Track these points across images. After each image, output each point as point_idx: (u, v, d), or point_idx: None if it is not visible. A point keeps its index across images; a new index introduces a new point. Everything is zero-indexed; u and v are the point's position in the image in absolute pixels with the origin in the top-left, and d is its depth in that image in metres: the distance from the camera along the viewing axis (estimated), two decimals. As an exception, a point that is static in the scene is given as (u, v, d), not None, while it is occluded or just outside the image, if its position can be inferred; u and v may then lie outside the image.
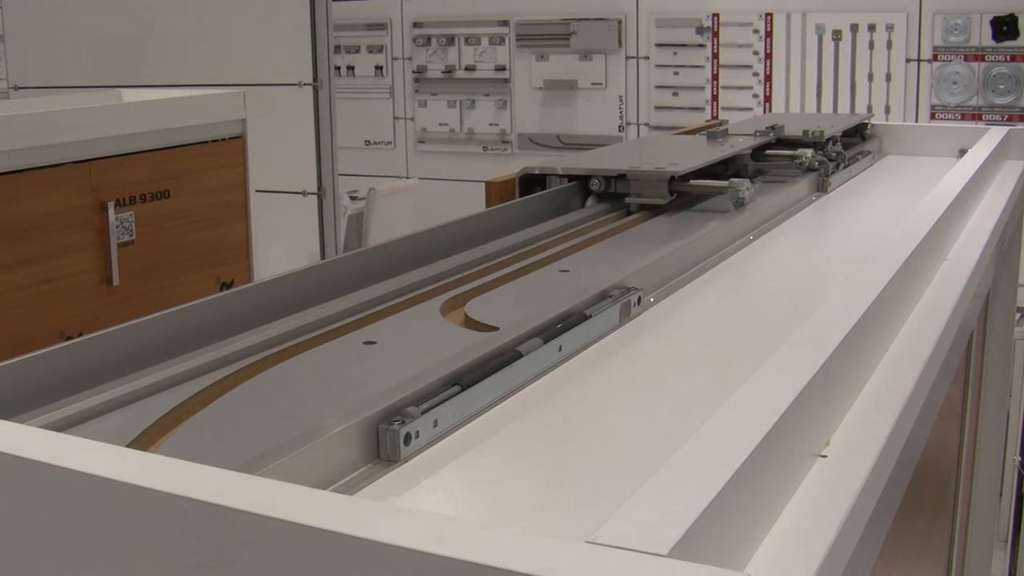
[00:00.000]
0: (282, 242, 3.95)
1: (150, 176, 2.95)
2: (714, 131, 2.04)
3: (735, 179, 1.58)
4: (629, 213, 1.60)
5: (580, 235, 1.47)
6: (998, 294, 2.06)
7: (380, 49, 6.09)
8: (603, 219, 1.58)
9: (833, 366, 0.81)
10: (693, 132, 2.20)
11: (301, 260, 3.90)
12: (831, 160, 1.94)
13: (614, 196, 1.63)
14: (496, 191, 1.64)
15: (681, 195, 1.63)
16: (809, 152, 1.88)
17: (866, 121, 2.43)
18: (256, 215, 3.32)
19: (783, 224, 1.66)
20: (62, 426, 0.81)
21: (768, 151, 1.98)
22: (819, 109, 5.14)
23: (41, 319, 2.65)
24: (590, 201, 1.64)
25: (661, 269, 1.28)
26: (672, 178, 1.58)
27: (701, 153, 1.79)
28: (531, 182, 1.65)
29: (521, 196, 1.61)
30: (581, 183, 1.64)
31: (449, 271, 1.26)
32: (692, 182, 1.63)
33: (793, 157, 1.90)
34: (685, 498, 0.57)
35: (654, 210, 1.60)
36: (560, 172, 1.65)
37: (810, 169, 1.88)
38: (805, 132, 2.06)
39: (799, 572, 0.61)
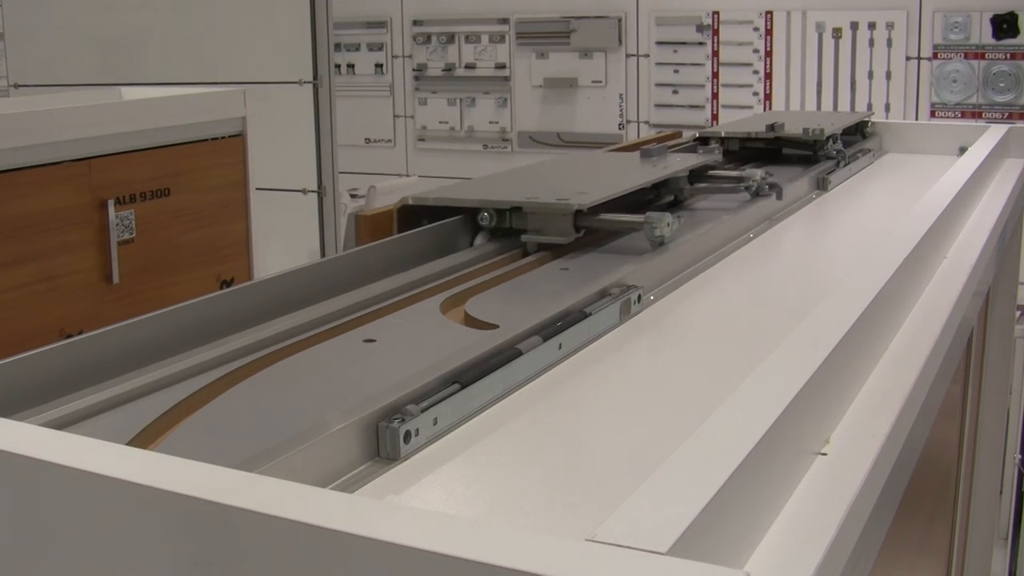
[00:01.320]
0: (282, 240, 3.95)
1: (150, 174, 2.95)
2: (650, 148, 1.74)
3: (653, 213, 1.31)
4: (527, 253, 1.34)
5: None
6: (998, 292, 2.06)
7: (380, 47, 6.09)
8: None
9: (833, 364, 0.81)
10: (635, 147, 1.88)
11: (301, 258, 3.89)
12: (773, 189, 1.66)
13: (511, 232, 1.36)
14: (367, 227, 1.36)
15: (591, 232, 1.37)
16: (758, 174, 1.63)
17: (866, 119, 2.43)
18: (256, 213, 3.31)
19: (783, 222, 1.66)
20: (62, 424, 0.81)
21: (713, 171, 1.71)
22: (819, 107, 5.14)
23: (41, 317, 2.65)
24: (479, 239, 1.37)
25: (661, 267, 1.28)
26: (579, 211, 1.32)
27: (623, 177, 1.53)
28: (417, 214, 1.37)
29: (401, 231, 1.34)
30: (472, 216, 1.37)
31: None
32: (603, 216, 1.35)
33: (740, 179, 1.65)
34: (684, 496, 0.57)
35: (556, 251, 1.34)
36: (447, 203, 1.37)
37: (758, 194, 1.63)
38: (805, 130, 2.05)
39: (798, 570, 0.61)
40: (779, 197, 1.64)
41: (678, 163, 1.66)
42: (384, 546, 0.50)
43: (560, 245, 1.33)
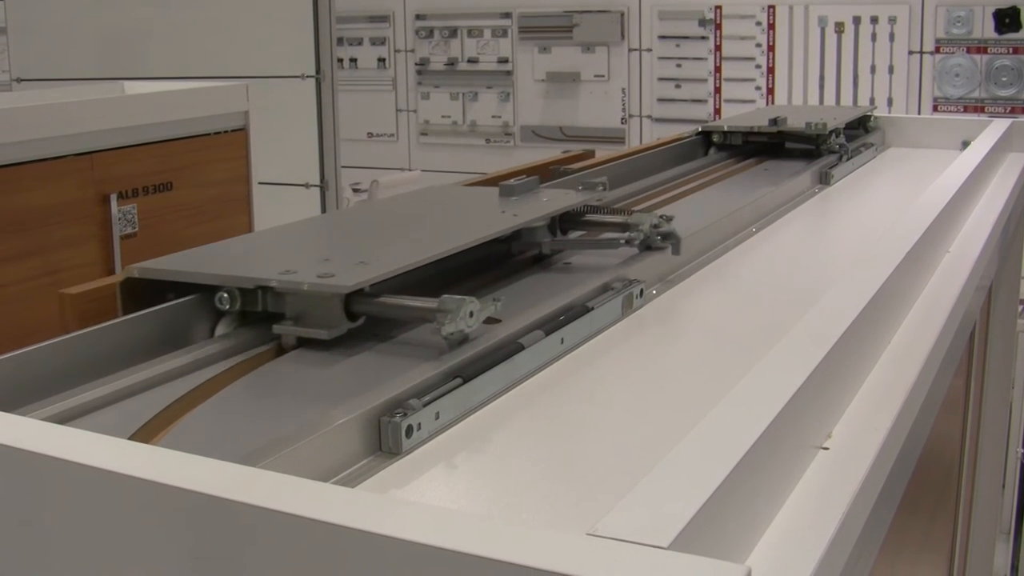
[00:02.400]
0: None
1: (153, 168, 2.95)
2: (511, 184, 1.32)
3: (450, 297, 0.92)
4: (282, 350, 0.97)
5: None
6: (1001, 286, 2.06)
7: (383, 41, 6.08)
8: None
9: (835, 358, 0.81)
10: (508, 176, 1.48)
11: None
12: (667, 240, 1.27)
13: (267, 317, 0.99)
14: (73, 308, 1.00)
15: (373, 320, 0.99)
16: (649, 221, 1.26)
17: (869, 113, 2.43)
18: (259, 207, 3.32)
19: (786, 216, 1.65)
20: (64, 418, 0.81)
21: (590, 216, 1.32)
22: (821, 101, 5.13)
23: (43, 311, 2.65)
24: (222, 326, 1.01)
25: (663, 261, 1.28)
26: (354, 293, 0.95)
27: (449, 231, 1.15)
28: (150, 288, 1.01)
29: (126, 313, 0.98)
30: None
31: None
32: (385, 299, 0.97)
33: (624, 227, 1.27)
34: (686, 491, 0.57)
35: (321, 347, 0.96)
36: (180, 277, 1.00)
37: (648, 247, 1.26)
38: (808, 124, 2.05)
39: (800, 565, 0.61)
40: (675, 251, 1.27)
41: (542, 206, 1.27)
42: (386, 541, 0.50)
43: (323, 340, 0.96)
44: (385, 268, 0.97)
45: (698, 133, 2.16)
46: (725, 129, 2.14)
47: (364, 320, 0.97)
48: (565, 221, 1.32)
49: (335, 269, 0.96)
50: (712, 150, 2.16)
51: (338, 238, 1.20)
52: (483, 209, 1.28)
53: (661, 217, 1.28)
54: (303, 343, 0.97)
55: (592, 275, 1.16)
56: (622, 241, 1.24)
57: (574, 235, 1.33)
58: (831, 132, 2.05)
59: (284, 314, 0.97)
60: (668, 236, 1.27)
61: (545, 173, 1.55)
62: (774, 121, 2.08)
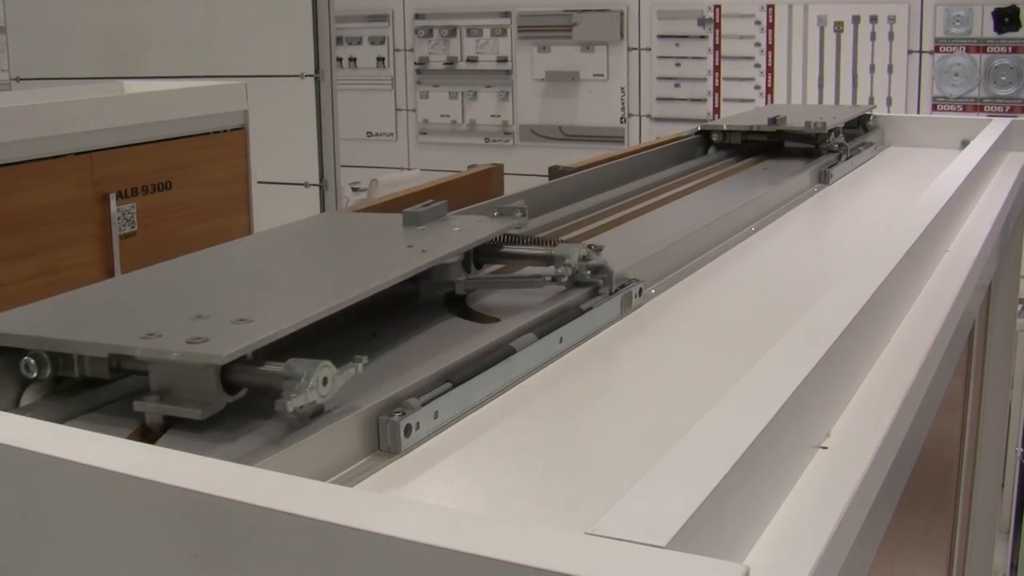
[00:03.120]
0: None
1: (152, 168, 2.95)
2: (416, 211, 1.15)
3: (297, 361, 0.76)
4: (147, 431, 0.77)
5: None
6: (1000, 285, 2.06)
7: (382, 40, 6.08)
8: None
9: (834, 357, 0.81)
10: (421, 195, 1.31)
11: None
12: (598, 275, 1.11)
13: (89, 383, 0.83)
14: None
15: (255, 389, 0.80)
16: (577, 253, 1.09)
17: (868, 112, 2.43)
18: (258, 206, 3.32)
19: (785, 215, 1.65)
20: (62, 418, 0.81)
21: (509, 247, 1.15)
22: (821, 100, 5.13)
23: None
24: (28, 395, 0.83)
25: (662, 260, 1.28)
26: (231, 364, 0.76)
27: (341, 278, 0.97)
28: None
29: None
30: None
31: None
32: (269, 368, 0.78)
33: (549, 259, 1.10)
34: (684, 490, 0.57)
35: (194, 429, 0.77)
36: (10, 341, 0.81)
37: (578, 284, 1.10)
38: (807, 124, 2.05)
39: (799, 564, 0.61)
40: (609, 289, 1.11)
41: (453, 238, 1.08)
42: (384, 540, 0.50)
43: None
44: (270, 328, 0.79)
45: (698, 132, 2.16)
46: (724, 128, 2.14)
47: (244, 392, 0.78)
48: (480, 252, 1.13)
49: (210, 330, 0.78)
50: (712, 149, 2.16)
51: (216, 284, 0.97)
52: (385, 243, 1.10)
53: (590, 247, 1.11)
54: (172, 424, 0.77)
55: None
56: (548, 278, 1.08)
57: (489, 269, 1.16)
58: (830, 131, 2.05)
59: (146, 390, 0.77)
60: (598, 270, 1.11)
61: (452, 193, 1.35)
62: (773, 120, 2.08)
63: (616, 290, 1.12)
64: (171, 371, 0.77)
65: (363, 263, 1.02)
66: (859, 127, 2.38)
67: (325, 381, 0.76)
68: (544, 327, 0.99)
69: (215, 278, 0.99)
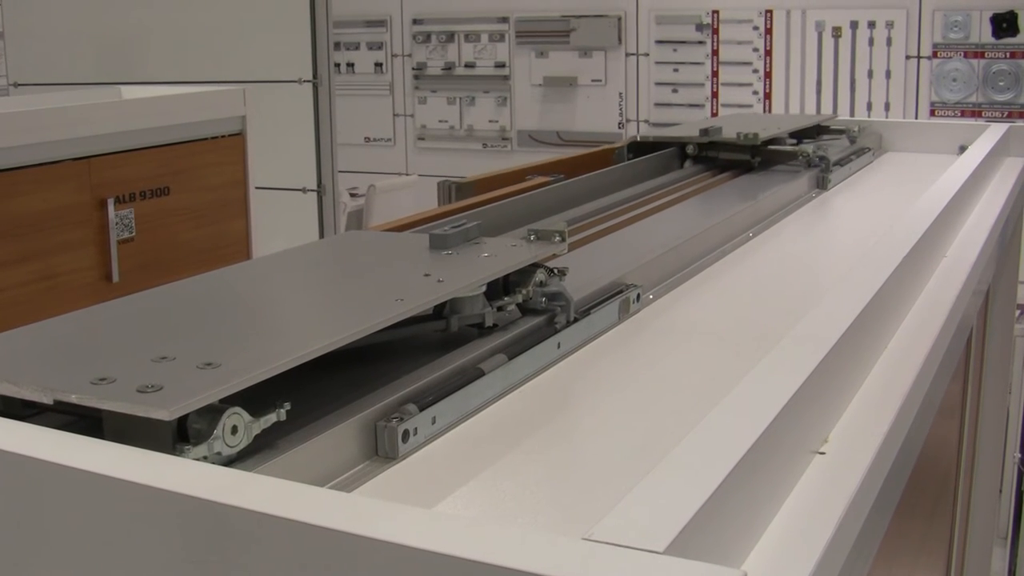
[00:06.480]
0: (282, 239, 3.94)
1: (150, 173, 2.95)
2: (444, 233, 1.06)
3: (203, 412, 0.69)
4: None
5: None
6: (998, 291, 2.06)
7: (380, 46, 6.08)
8: None
9: (832, 363, 0.81)
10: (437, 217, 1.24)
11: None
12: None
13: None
14: None
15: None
16: (530, 279, 1.01)
17: (826, 123, 2.32)
18: (256, 212, 3.31)
19: (782, 221, 1.65)
20: (61, 424, 0.81)
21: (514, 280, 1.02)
22: (819, 106, 5.14)
23: (40, 316, 2.64)
24: None
25: (660, 266, 1.28)
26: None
27: (335, 315, 0.90)
28: None
29: None
30: None
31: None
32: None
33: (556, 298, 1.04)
34: (682, 495, 0.57)
35: None
36: None
37: (533, 311, 1.02)
38: (739, 135, 1.93)
39: (796, 570, 0.61)
40: (568, 319, 1.03)
41: (478, 266, 0.98)
42: (382, 545, 0.50)
43: None
44: (233, 377, 0.70)
45: (632, 143, 2.04)
46: (652, 140, 2.02)
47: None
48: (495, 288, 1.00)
49: (168, 375, 0.70)
50: (688, 163, 2.04)
51: (195, 318, 0.88)
52: (400, 270, 1.00)
53: (554, 272, 1.03)
54: None
55: (589, 279, 1.14)
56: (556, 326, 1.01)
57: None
58: (764, 143, 1.93)
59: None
60: (555, 297, 1.02)
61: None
62: (706, 132, 1.99)
63: (576, 318, 1.04)
64: (123, 418, 0.67)
65: (368, 294, 0.93)
66: (843, 136, 2.30)
67: (235, 430, 0.69)
68: (542, 332, 0.99)
69: (197, 310, 0.90)
